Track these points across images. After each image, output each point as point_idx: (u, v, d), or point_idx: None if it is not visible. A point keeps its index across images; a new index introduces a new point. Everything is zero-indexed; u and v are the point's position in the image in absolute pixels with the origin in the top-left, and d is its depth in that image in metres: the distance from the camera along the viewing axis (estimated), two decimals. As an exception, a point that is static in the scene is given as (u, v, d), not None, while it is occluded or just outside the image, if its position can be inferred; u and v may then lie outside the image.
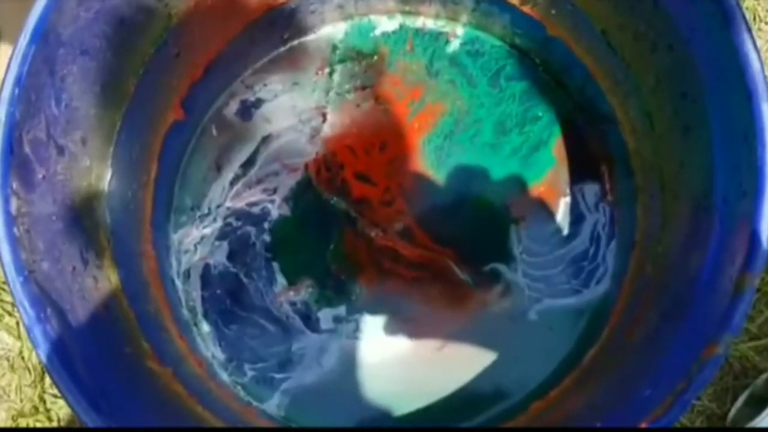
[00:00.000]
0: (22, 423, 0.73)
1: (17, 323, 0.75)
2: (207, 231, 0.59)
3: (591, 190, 0.58)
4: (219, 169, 0.59)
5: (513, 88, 0.59)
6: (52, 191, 0.42)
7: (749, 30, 0.39)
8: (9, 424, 0.73)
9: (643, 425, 0.34)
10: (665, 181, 0.48)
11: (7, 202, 0.37)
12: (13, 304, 0.75)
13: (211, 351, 0.56)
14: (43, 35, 0.39)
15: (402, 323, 0.56)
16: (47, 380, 0.74)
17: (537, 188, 0.58)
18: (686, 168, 0.45)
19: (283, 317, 0.57)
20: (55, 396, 0.74)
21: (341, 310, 0.57)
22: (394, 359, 0.56)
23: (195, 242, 0.58)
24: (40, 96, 0.40)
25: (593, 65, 0.54)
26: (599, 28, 0.51)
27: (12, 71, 0.38)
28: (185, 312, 0.57)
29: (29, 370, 0.74)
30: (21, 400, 0.73)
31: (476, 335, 0.56)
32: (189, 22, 0.51)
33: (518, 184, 0.58)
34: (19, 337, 0.75)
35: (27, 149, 0.39)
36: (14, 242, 0.37)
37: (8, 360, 0.74)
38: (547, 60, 0.58)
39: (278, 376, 0.56)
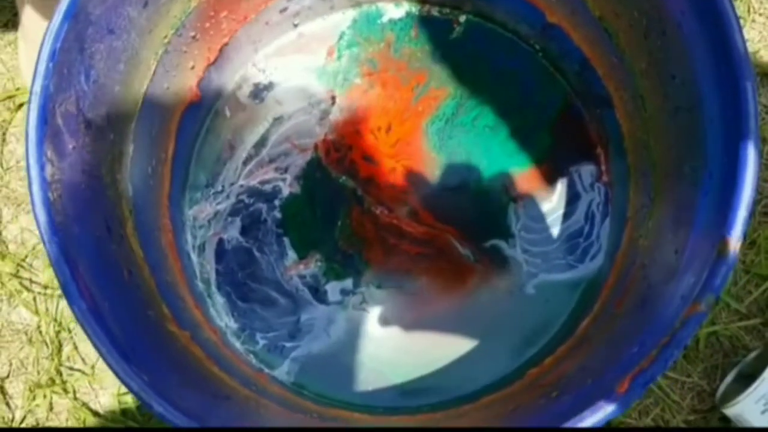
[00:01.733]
0: (39, 394, 0.76)
1: (34, 298, 0.78)
2: (221, 207, 0.61)
3: (587, 170, 0.60)
4: (232, 148, 0.62)
5: (513, 73, 0.62)
6: (81, 162, 0.45)
7: (736, 16, 0.42)
8: (26, 395, 0.76)
9: (628, 379, 0.37)
10: (656, 160, 0.51)
11: (42, 168, 0.40)
12: (31, 280, 0.78)
13: (225, 321, 0.59)
14: (74, 14, 0.42)
15: (406, 296, 0.59)
16: (64, 353, 0.77)
17: (535, 169, 0.61)
18: (676, 147, 0.48)
19: (293, 290, 0.60)
20: (71, 369, 0.77)
21: (348, 283, 0.60)
22: (398, 330, 0.59)
23: (209, 218, 0.61)
24: (71, 71, 0.43)
25: (590, 51, 0.57)
26: (596, 15, 0.53)
27: (46, 47, 0.41)
28: (200, 284, 0.60)
29: (46, 344, 0.77)
30: (38, 372, 0.76)
31: (476, 308, 0.59)
32: (206, 6, 0.54)
33: (517, 164, 0.61)
34: (36, 312, 0.77)
35: (59, 121, 0.42)
36: (49, 206, 0.40)
37: (26, 334, 0.77)
38: (546, 47, 0.61)
39: (288, 344, 0.59)
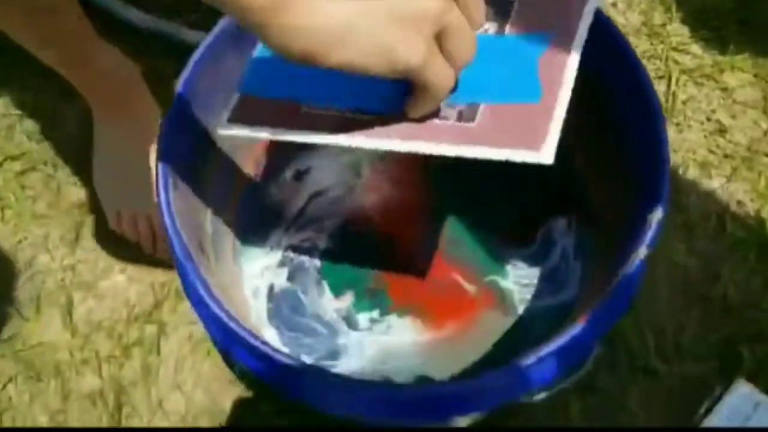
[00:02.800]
0: (102, 449, 0.87)
1: (99, 366, 0.91)
2: (271, 261, 0.77)
3: (559, 223, 0.77)
4: (279, 216, 0.79)
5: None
6: (184, 198, 0.61)
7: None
8: None
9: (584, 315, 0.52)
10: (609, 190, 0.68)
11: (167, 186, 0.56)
12: (96, 351, 0.91)
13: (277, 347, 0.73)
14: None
15: (422, 322, 0.74)
16: (123, 413, 0.89)
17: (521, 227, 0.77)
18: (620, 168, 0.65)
19: (330, 320, 0.75)
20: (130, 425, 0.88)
21: (375, 313, 0.75)
22: (416, 349, 0.73)
23: (262, 269, 0.77)
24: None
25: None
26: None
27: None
28: (254, 320, 0.75)
29: (108, 405, 0.89)
30: (102, 429, 0.88)
31: (480, 328, 0.73)
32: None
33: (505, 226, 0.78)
34: (100, 377, 0.90)
35: (177, 159, 0.59)
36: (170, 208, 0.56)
37: (90, 397, 0.90)
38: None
39: (328, 363, 0.72)
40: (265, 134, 0.52)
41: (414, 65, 0.41)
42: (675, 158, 0.95)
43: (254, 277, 0.76)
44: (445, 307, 0.74)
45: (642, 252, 0.53)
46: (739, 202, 0.94)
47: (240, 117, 0.53)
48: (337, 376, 0.52)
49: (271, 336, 0.73)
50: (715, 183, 0.94)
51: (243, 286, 0.75)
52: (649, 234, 0.53)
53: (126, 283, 0.95)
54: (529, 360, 0.50)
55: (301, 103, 0.52)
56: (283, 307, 0.75)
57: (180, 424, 0.88)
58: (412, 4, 0.40)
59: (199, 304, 0.54)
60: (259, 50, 0.56)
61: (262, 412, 0.87)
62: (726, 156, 0.96)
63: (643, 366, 0.86)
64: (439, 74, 0.43)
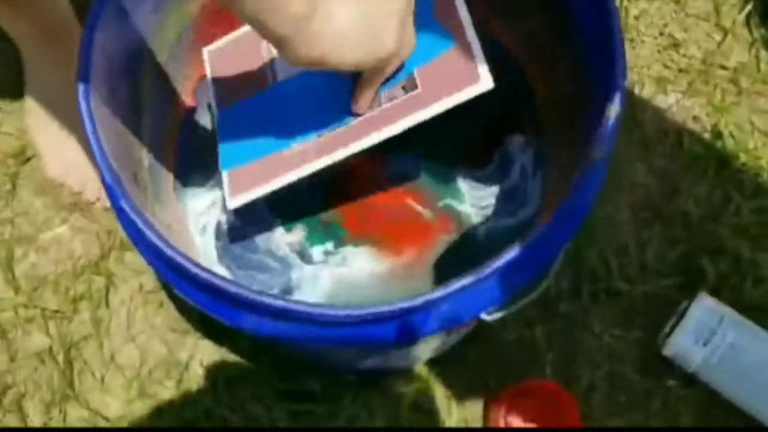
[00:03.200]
0: (54, 409, 0.83)
1: (46, 323, 0.87)
2: (217, 197, 0.73)
3: (517, 139, 0.74)
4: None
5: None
6: (113, 123, 0.57)
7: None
8: (42, 410, 0.84)
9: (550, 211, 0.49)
10: (564, 103, 0.65)
11: (88, 93, 0.52)
12: (42, 308, 0.87)
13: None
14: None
15: (378, 251, 0.71)
16: (75, 369, 0.85)
17: (477, 146, 0.74)
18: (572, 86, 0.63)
19: (283, 256, 0.71)
20: (82, 383, 0.85)
21: (329, 245, 0.72)
22: (374, 279, 0.70)
23: (207, 205, 0.73)
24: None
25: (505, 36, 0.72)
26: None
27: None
28: (203, 261, 0.71)
29: (58, 363, 0.85)
30: (52, 390, 0.84)
31: (438, 253, 0.71)
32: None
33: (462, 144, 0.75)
34: (48, 335, 0.86)
35: (100, 80, 0.55)
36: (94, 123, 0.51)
37: (39, 356, 0.86)
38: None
39: (283, 299, 0.69)
40: (267, 188, 0.59)
41: (393, 52, 0.49)
42: (630, 75, 0.93)
43: (200, 215, 0.72)
44: (402, 234, 0.71)
45: (601, 144, 0.50)
46: (695, 118, 0.92)
47: (237, 189, 0.60)
48: (278, 297, 0.48)
49: (222, 274, 0.70)
50: (671, 98, 0.92)
51: (188, 223, 0.71)
52: (606, 127, 0.51)
53: (69, 234, 0.90)
54: (490, 268, 0.48)
55: (280, 150, 0.60)
56: (233, 244, 0.71)
57: (135, 378, 0.84)
58: (394, 4, 0.46)
59: (130, 227, 0.51)
60: (218, 125, 0.64)
61: (220, 357, 0.84)
62: (681, 71, 0.94)
63: (605, 288, 0.85)
64: (401, 58, 0.52)
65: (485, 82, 0.54)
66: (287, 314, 0.48)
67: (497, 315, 0.55)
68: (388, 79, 0.55)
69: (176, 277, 0.51)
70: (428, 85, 0.55)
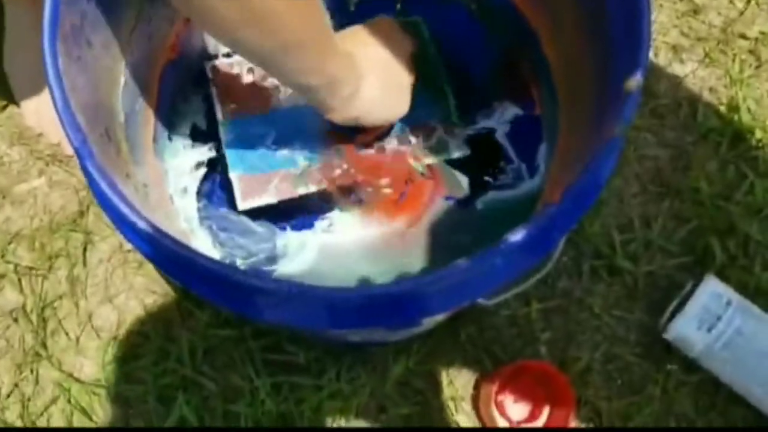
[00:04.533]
0: (26, 368, 0.80)
1: (19, 280, 0.82)
2: (202, 158, 0.69)
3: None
4: (210, 107, 0.70)
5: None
6: (85, 72, 0.52)
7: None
8: (13, 370, 0.80)
9: (560, 192, 0.45)
10: (576, 70, 0.60)
11: (56, 57, 0.47)
12: (16, 264, 0.83)
13: (209, 252, 0.65)
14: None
15: (369, 217, 0.66)
16: (49, 329, 0.81)
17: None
18: (590, 56, 0.58)
19: (268, 219, 0.67)
20: (56, 342, 0.81)
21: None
22: (364, 246, 0.66)
23: (192, 165, 0.68)
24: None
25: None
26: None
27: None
28: (183, 223, 0.67)
29: (32, 322, 0.81)
30: (24, 349, 0.80)
31: (432, 222, 0.66)
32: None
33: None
34: (21, 292, 0.82)
35: (68, 27, 0.49)
36: (63, 89, 0.46)
37: (12, 314, 0.82)
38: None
39: (267, 268, 0.65)
40: (275, 198, 0.65)
41: (404, 114, 0.62)
42: (645, 41, 0.88)
43: (180, 175, 0.68)
44: (393, 199, 0.66)
45: (621, 121, 0.45)
46: (711, 89, 0.87)
47: (248, 194, 0.65)
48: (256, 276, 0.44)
49: (203, 240, 0.65)
50: (687, 67, 0.87)
51: (167, 183, 0.66)
52: (627, 103, 0.46)
53: (46, 188, 0.86)
54: (491, 251, 0.43)
55: (287, 168, 0.66)
56: (215, 205, 0.67)
57: (111, 341, 0.80)
58: (405, 77, 0.61)
59: (101, 196, 0.46)
60: (223, 131, 0.68)
61: (201, 325, 0.80)
62: (699, 39, 0.88)
63: (608, 265, 0.81)
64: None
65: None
66: (272, 296, 0.44)
67: (497, 299, 0.51)
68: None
69: (146, 247, 0.46)
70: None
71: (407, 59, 0.61)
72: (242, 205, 0.65)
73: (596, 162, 0.45)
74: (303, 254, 0.65)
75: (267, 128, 0.68)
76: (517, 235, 0.44)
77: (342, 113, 0.58)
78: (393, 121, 0.64)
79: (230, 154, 0.67)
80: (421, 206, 0.66)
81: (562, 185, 0.47)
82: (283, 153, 0.67)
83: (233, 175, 0.66)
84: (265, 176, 0.66)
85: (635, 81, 0.47)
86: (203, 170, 0.68)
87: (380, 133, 0.67)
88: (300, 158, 0.67)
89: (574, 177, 0.46)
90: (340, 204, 0.67)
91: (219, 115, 0.69)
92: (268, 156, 0.67)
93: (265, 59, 0.50)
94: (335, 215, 0.67)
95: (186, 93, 0.70)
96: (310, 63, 0.51)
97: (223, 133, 0.68)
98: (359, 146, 0.67)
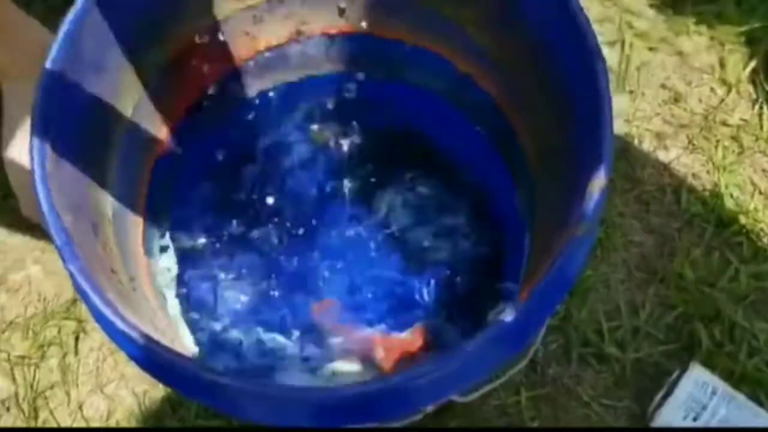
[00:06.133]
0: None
1: (12, 369, 0.83)
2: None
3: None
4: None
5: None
6: (74, 171, 0.54)
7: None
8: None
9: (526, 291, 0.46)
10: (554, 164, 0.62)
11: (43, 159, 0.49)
12: (8, 353, 0.84)
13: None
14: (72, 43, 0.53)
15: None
16: (40, 419, 0.81)
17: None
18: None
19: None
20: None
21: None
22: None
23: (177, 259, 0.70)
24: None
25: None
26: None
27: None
28: (171, 310, 0.68)
29: (23, 411, 0.82)
30: None
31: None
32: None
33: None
34: (14, 381, 0.83)
35: (55, 132, 0.52)
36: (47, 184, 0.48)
37: (3, 403, 0.82)
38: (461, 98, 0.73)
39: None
40: None
41: None
42: (629, 129, 0.90)
43: (170, 267, 0.69)
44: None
45: (582, 222, 0.46)
46: (694, 175, 0.89)
47: None
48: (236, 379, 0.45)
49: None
50: (671, 154, 0.89)
51: (156, 277, 0.67)
52: (589, 203, 0.47)
53: (41, 276, 0.87)
54: (457, 353, 0.44)
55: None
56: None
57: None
58: None
59: (84, 295, 0.47)
60: None
61: (191, 415, 0.80)
62: (682, 126, 0.90)
63: (596, 353, 0.81)
64: None
65: None
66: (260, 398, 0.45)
67: (473, 395, 0.51)
68: None
69: (128, 347, 0.48)
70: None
71: None
72: None
73: (562, 260, 0.46)
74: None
75: None
76: (488, 333, 0.45)
77: None
78: None
79: None
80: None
81: (535, 280, 0.49)
82: None
83: None
84: None
85: (599, 182, 0.49)
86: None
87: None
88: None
89: (541, 275, 0.47)
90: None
91: None
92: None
93: None
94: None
95: (179, 189, 0.71)
96: None
97: None
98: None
